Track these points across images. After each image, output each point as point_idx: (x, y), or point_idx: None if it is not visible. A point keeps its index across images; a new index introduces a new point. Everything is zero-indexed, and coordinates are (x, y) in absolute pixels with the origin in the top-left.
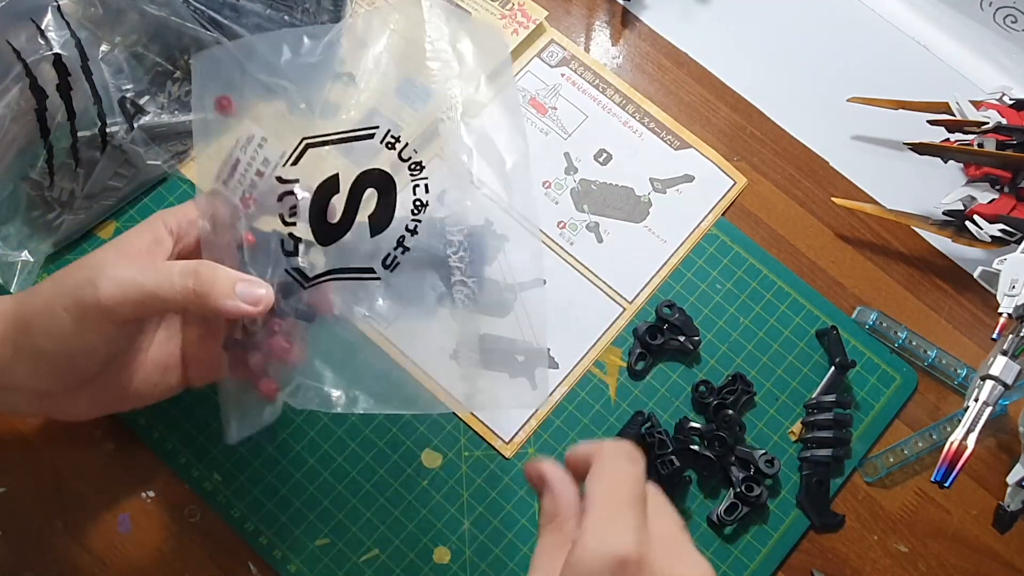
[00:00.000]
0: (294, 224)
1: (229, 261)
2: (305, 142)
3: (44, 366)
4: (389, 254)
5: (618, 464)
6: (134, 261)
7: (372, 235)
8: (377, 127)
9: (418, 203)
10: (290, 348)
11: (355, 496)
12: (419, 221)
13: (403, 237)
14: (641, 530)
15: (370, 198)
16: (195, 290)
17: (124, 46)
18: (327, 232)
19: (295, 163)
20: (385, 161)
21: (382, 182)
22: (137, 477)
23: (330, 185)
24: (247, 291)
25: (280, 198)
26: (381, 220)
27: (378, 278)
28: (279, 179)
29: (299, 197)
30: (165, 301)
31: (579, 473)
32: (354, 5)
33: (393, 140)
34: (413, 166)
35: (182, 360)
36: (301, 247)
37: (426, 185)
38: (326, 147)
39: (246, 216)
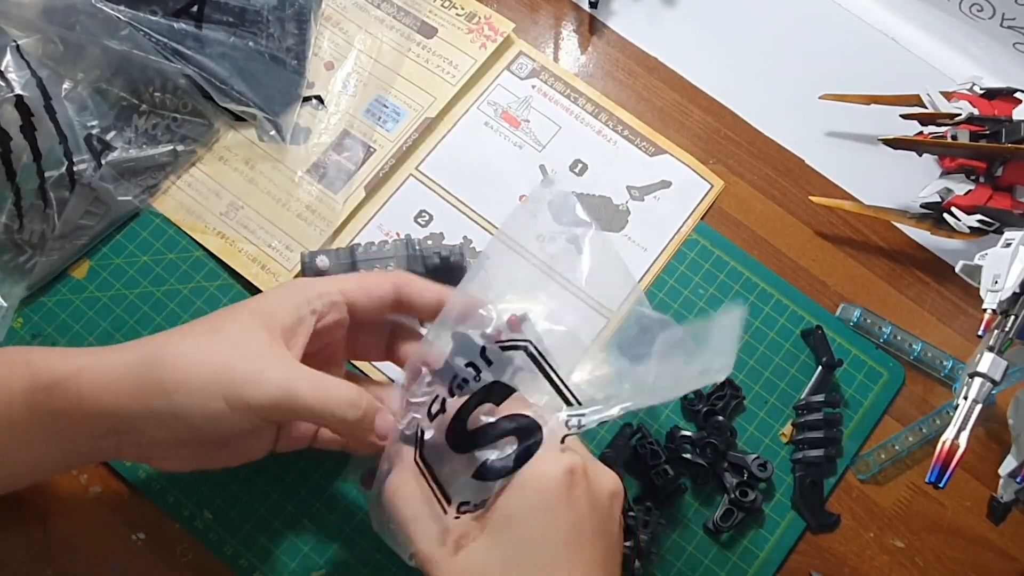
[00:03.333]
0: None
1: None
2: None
3: (173, 428)
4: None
5: None
6: (277, 342)
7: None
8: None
9: None
10: None
11: (348, 525)
12: None
13: None
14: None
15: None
16: (353, 424)
17: (87, 82)
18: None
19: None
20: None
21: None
22: (126, 519)
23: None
24: (384, 424)
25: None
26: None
27: None
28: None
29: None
30: (320, 419)
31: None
32: (319, 27)
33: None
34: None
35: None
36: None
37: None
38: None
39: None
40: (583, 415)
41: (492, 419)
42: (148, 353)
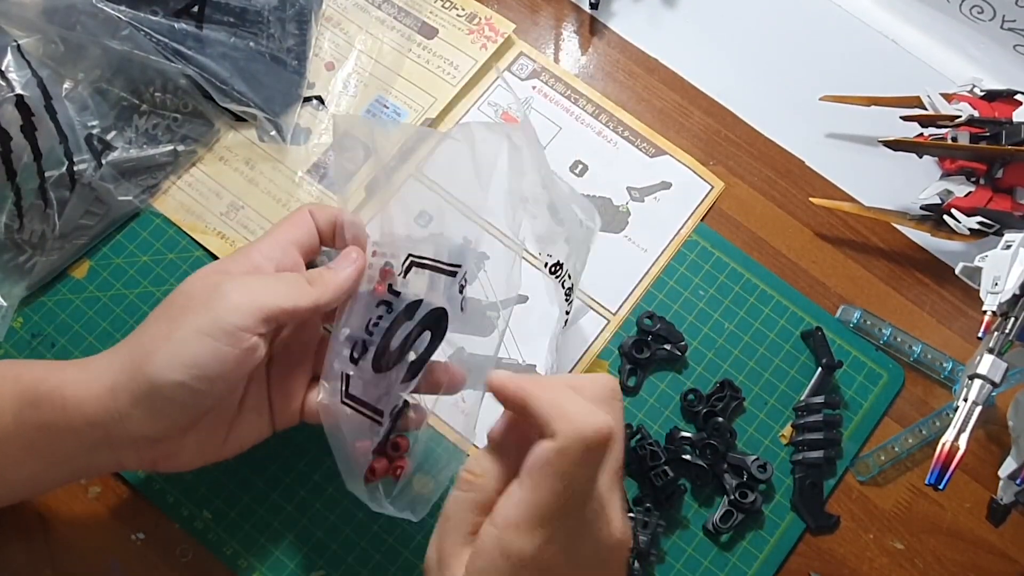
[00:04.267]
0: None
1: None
2: (411, 258)
3: (162, 407)
4: None
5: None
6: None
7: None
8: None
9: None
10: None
11: (348, 526)
12: None
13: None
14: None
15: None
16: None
17: (88, 82)
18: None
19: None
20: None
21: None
22: (125, 520)
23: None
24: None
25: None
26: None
27: None
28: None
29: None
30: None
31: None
32: (319, 28)
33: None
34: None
35: (269, 405)
36: None
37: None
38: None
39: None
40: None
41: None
42: (126, 353)
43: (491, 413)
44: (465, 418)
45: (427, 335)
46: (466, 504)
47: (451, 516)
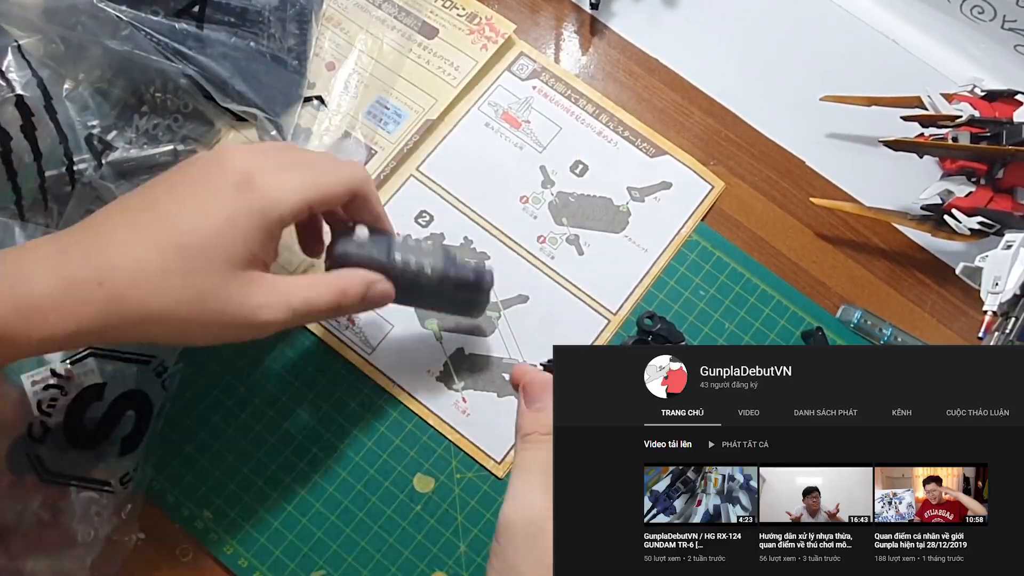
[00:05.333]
0: None
1: None
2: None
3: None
4: None
5: None
6: (259, 273)
7: None
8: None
9: None
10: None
11: (348, 526)
12: None
13: None
14: None
15: None
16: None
17: (88, 82)
18: None
19: None
20: None
21: None
22: None
23: None
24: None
25: None
26: None
27: None
28: None
29: None
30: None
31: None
32: (320, 28)
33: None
34: None
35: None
36: None
37: None
38: None
39: None
40: None
41: None
42: (121, 312)
43: (490, 414)
44: (465, 418)
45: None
46: (538, 459)
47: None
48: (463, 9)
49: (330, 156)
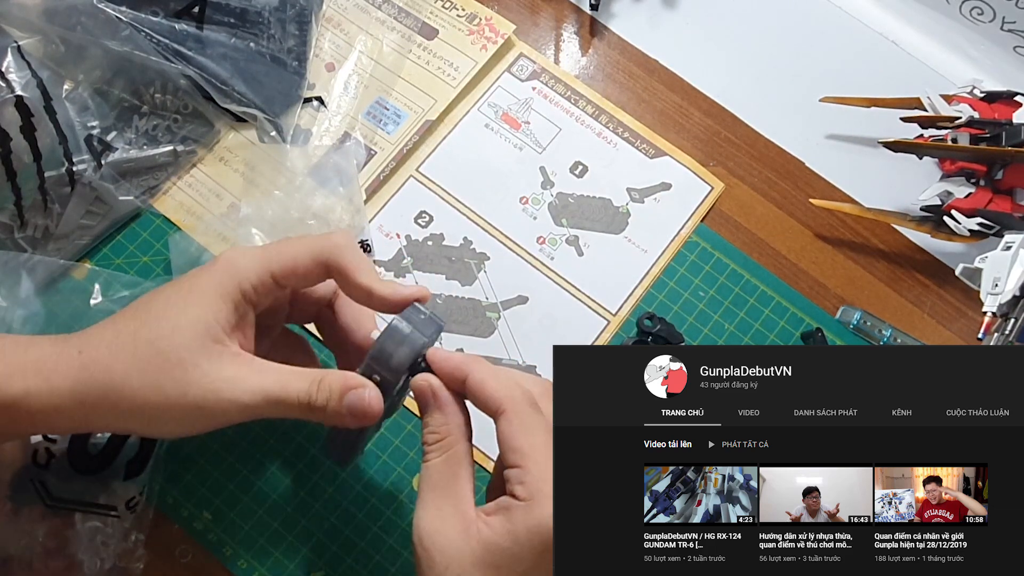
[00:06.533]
0: None
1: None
2: None
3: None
4: None
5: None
6: (230, 348)
7: None
8: None
9: None
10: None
11: (347, 527)
12: None
13: None
14: None
15: None
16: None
17: (88, 83)
18: None
19: None
20: None
21: None
22: None
23: None
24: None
25: None
26: None
27: None
28: None
29: None
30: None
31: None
32: (320, 28)
33: None
34: None
35: None
36: None
37: None
38: None
39: None
40: None
41: None
42: (92, 379)
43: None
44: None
45: None
46: (445, 464)
47: (437, 483)
48: (463, 10)
49: (322, 234)
